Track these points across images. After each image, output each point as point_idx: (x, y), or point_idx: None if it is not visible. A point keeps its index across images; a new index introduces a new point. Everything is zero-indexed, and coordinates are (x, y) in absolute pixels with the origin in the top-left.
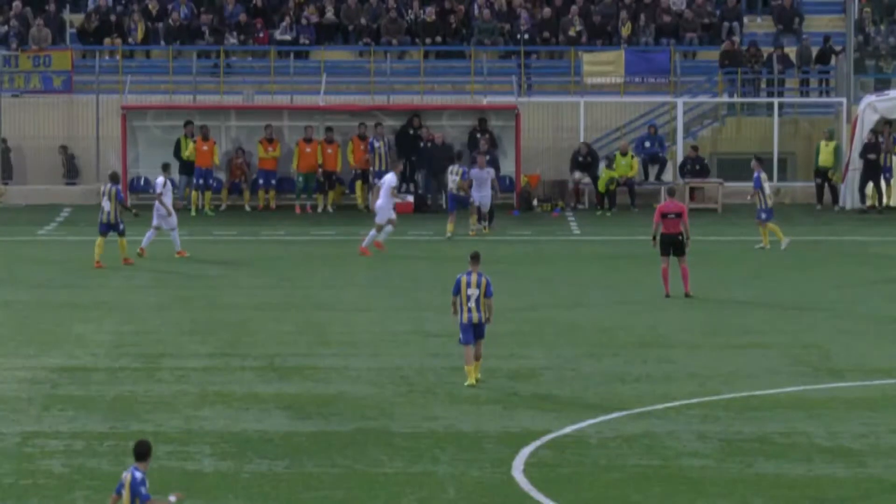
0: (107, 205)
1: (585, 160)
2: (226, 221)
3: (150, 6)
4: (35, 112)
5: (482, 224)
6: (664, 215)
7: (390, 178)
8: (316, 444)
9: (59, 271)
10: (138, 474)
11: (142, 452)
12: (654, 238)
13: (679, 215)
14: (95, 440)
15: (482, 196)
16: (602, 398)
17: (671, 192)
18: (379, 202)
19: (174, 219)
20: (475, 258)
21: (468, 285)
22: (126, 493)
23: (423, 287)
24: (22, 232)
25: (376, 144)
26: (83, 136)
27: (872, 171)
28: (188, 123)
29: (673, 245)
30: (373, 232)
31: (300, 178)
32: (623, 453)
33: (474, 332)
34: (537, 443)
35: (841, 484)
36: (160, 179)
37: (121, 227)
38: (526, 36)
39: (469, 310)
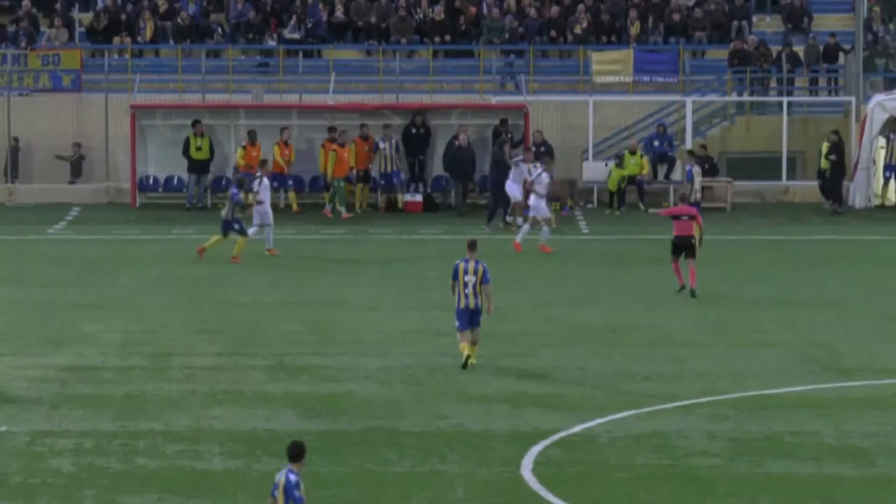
0: (228, 204)
1: (538, 151)
2: None
3: (159, 4)
4: (44, 111)
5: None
6: (677, 217)
7: (544, 177)
8: (325, 444)
9: (69, 270)
10: (293, 476)
11: (296, 453)
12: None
13: (692, 217)
14: (104, 439)
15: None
16: (611, 397)
17: (683, 198)
18: (532, 200)
19: (268, 217)
20: (472, 245)
21: (465, 272)
22: (280, 496)
23: (432, 286)
24: (31, 231)
25: (382, 145)
26: (92, 134)
27: (836, 172)
28: (196, 122)
29: (685, 248)
30: (526, 226)
31: (338, 183)
32: (632, 452)
33: (469, 318)
34: (546, 442)
35: (850, 483)
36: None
37: (236, 226)
38: (519, 33)
39: (465, 296)
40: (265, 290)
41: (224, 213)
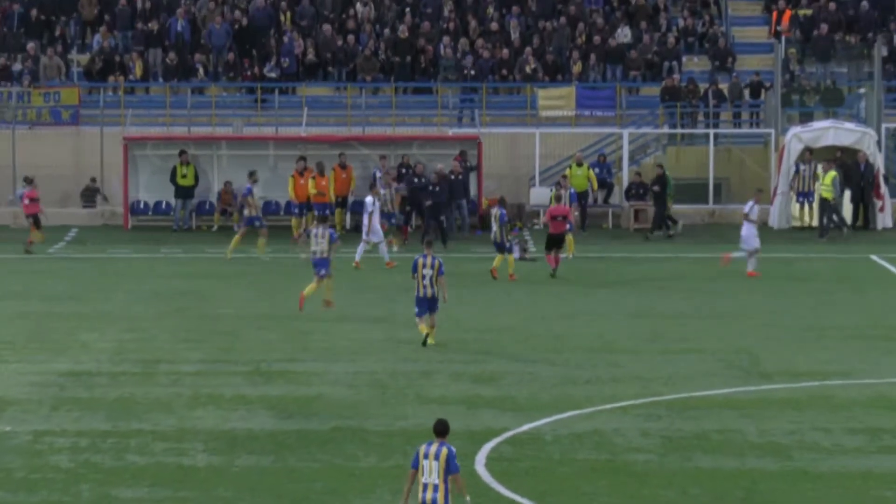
0: (494, 226)
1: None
2: (217, 241)
3: (147, 48)
4: (46, 143)
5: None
6: (553, 217)
7: (756, 208)
8: (298, 441)
9: (68, 286)
10: (454, 448)
11: (444, 430)
12: (535, 224)
13: (564, 217)
14: (99, 438)
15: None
16: (556, 399)
17: (558, 199)
18: (744, 230)
19: (378, 234)
20: (429, 244)
21: (424, 266)
22: (440, 464)
23: (397, 299)
24: (35, 250)
25: (378, 175)
26: (89, 164)
27: (659, 202)
28: (182, 152)
29: (557, 243)
30: (741, 254)
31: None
32: (574, 448)
33: (427, 305)
34: (498, 439)
35: (771, 476)
36: (369, 199)
37: (507, 245)
38: (472, 72)
39: (424, 286)
40: (245, 304)
41: (492, 235)
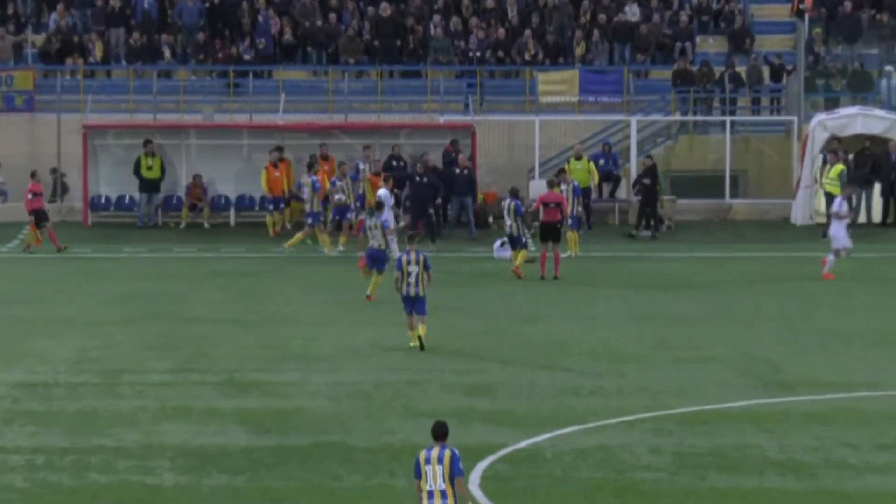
0: (508, 219)
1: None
2: (186, 238)
3: (108, 27)
4: None
5: None
6: (545, 204)
7: (841, 204)
8: (275, 458)
9: (22, 288)
10: (456, 451)
11: (445, 432)
12: (535, 221)
13: (559, 205)
14: (56, 455)
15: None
16: (557, 412)
17: (551, 185)
18: (832, 229)
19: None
20: (412, 238)
21: (409, 263)
22: (445, 467)
23: (382, 302)
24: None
25: (361, 167)
26: (45, 155)
27: (649, 196)
28: (147, 142)
29: (552, 233)
30: (831, 257)
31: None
32: (577, 466)
33: (413, 304)
34: (493, 457)
35: (792, 497)
36: (384, 192)
37: (523, 240)
38: (478, 53)
39: (409, 284)
40: (219, 307)
41: (508, 229)
